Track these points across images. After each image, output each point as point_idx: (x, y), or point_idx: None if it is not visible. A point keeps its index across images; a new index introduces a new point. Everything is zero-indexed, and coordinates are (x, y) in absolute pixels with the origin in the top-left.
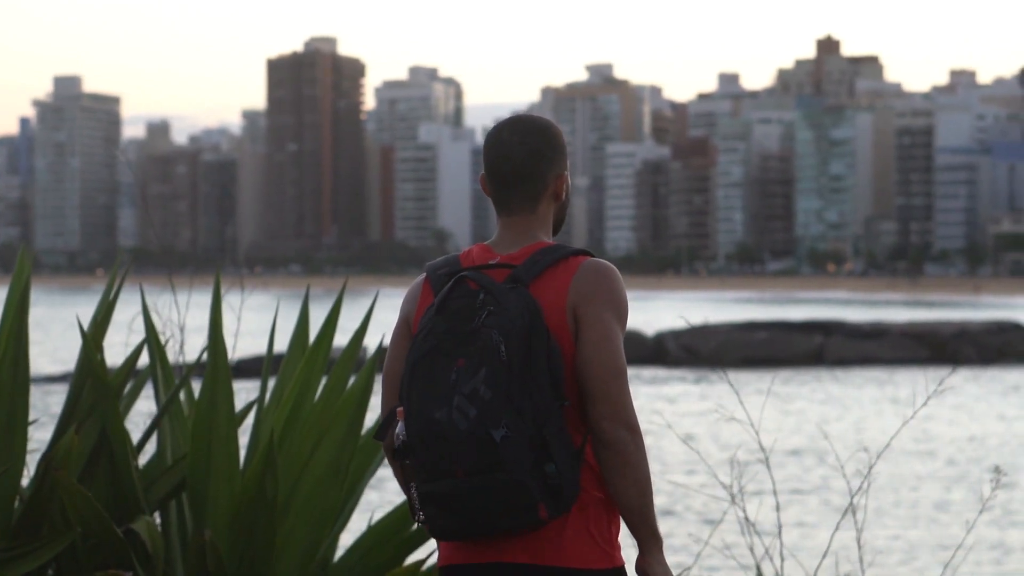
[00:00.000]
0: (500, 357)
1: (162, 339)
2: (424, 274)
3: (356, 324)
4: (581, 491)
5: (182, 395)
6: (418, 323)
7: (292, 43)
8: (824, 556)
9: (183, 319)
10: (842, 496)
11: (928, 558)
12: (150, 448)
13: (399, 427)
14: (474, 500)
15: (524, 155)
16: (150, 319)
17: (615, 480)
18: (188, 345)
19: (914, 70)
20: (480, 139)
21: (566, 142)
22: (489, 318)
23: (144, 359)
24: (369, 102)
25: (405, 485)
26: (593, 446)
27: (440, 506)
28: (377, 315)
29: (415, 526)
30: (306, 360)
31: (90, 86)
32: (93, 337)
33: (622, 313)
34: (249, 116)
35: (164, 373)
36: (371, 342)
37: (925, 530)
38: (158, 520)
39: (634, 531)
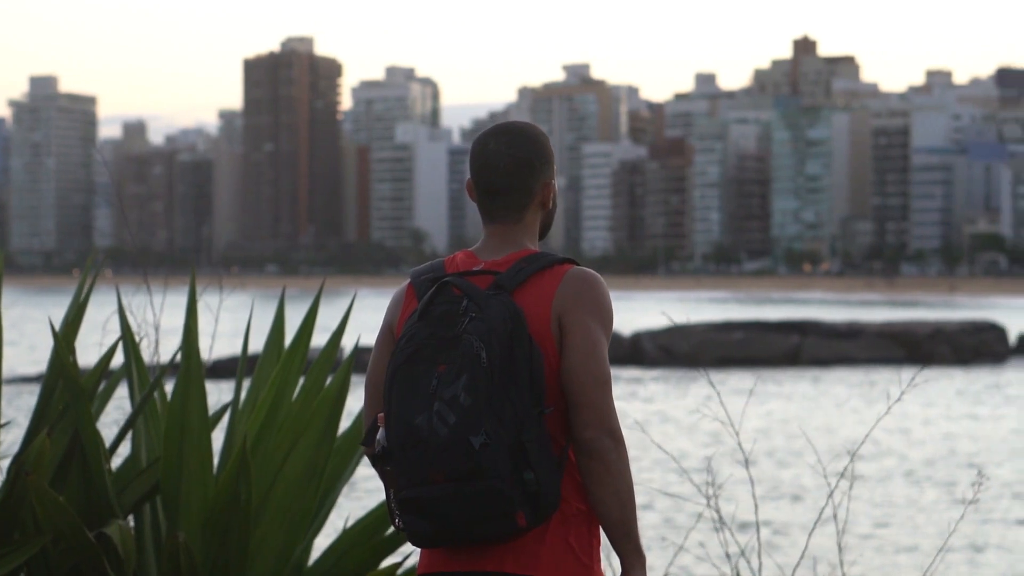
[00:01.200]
0: (481, 364)
1: (136, 339)
2: (408, 280)
3: (330, 324)
4: (563, 502)
5: (156, 396)
6: (401, 329)
7: (269, 43)
8: (801, 557)
9: (158, 319)
10: (816, 495)
11: (903, 557)
12: (124, 450)
13: (380, 433)
14: (453, 507)
15: (511, 165)
16: (125, 318)
17: (596, 490)
18: (164, 346)
19: (890, 70)
20: (457, 139)
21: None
22: (471, 324)
23: (118, 360)
24: (346, 102)
25: (386, 491)
26: (575, 455)
27: (419, 512)
28: (353, 315)
29: (391, 530)
30: (282, 363)
31: (66, 86)
32: (65, 338)
33: (607, 322)
34: (225, 116)
35: (139, 374)
36: (346, 343)
37: (899, 528)
38: (131, 524)
39: (616, 546)
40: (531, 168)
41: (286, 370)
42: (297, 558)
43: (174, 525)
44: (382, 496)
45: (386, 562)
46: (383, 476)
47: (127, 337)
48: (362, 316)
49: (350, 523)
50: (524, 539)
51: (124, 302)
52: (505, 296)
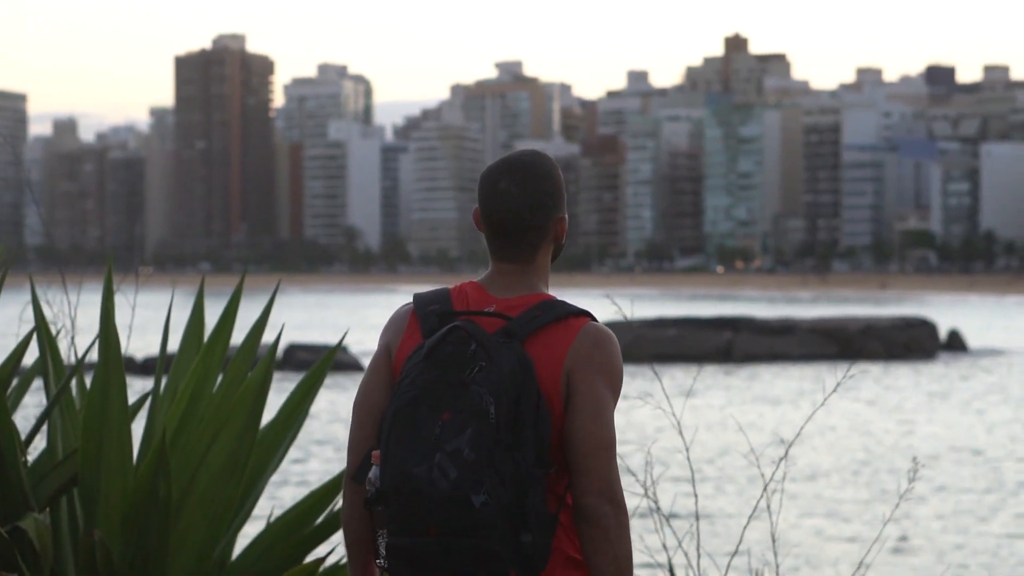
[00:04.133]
0: (488, 419)
1: (53, 330)
2: (411, 305)
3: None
4: (552, 551)
5: (74, 387)
6: (402, 360)
7: (200, 40)
8: (735, 552)
9: (74, 312)
10: (746, 487)
11: (833, 548)
12: (41, 444)
13: (372, 472)
14: (444, 561)
15: (525, 207)
16: (39, 307)
17: (594, 556)
18: (84, 341)
19: (821, 68)
20: (390, 137)
21: (480, 143)
22: (480, 374)
23: (35, 355)
24: (278, 99)
25: (372, 531)
26: (574, 518)
27: (408, 562)
28: (282, 313)
29: (317, 522)
30: (203, 353)
31: None
32: None
33: (617, 385)
34: (157, 113)
35: (55, 364)
36: (270, 335)
37: (826, 520)
38: (48, 518)
39: None
40: (545, 208)
41: (207, 360)
42: (220, 553)
43: (92, 519)
44: (308, 489)
45: (310, 557)
46: (372, 517)
47: (41, 326)
48: (295, 314)
49: (274, 518)
50: None
51: (42, 297)
52: (516, 345)
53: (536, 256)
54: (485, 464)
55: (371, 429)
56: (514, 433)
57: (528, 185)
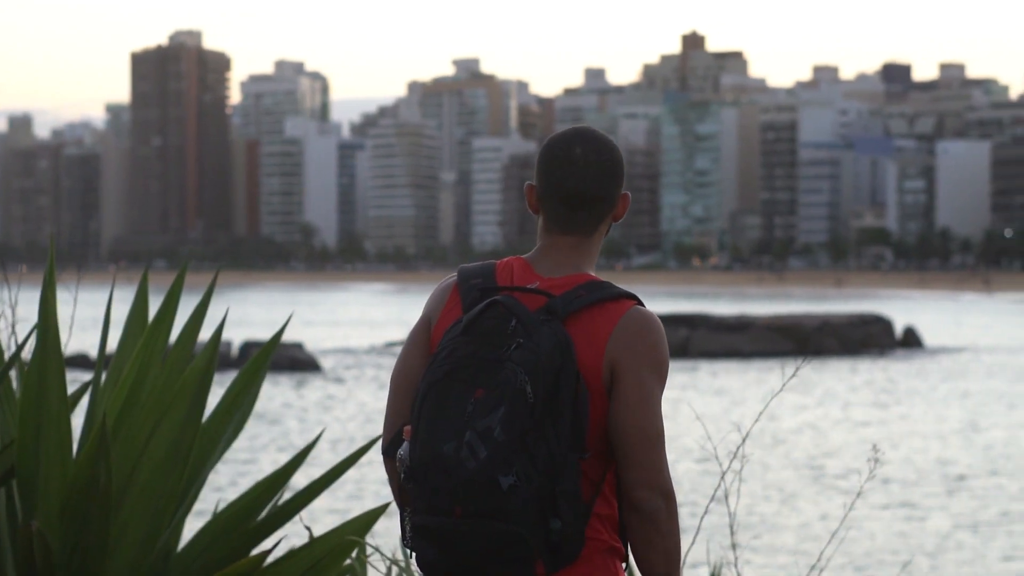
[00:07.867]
0: (525, 399)
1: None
2: (454, 277)
3: (212, 315)
4: (587, 540)
5: (15, 378)
6: (440, 333)
7: (156, 36)
8: (695, 539)
9: (14, 302)
10: (701, 479)
11: (788, 537)
12: None
13: (403, 448)
14: (469, 544)
15: (600, 174)
16: None
17: (644, 548)
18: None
19: (778, 65)
20: (347, 134)
21: (437, 140)
22: (516, 352)
23: None
24: (235, 96)
25: (401, 508)
26: (623, 511)
27: (432, 542)
28: (239, 311)
29: (263, 515)
30: (145, 339)
31: None
32: None
33: (663, 373)
34: (113, 110)
35: None
36: (211, 322)
37: (782, 507)
38: None
39: None
40: (616, 177)
41: (148, 348)
42: (164, 544)
43: (30, 511)
44: (255, 479)
45: (256, 549)
46: (402, 492)
47: None
48: (252, 311)
49: (220, 507)
50: None
51: None
52: (557, 324)
53: (596, 230)
54: (516, 445)
55: (404, 401)
56: (549, 415)
57: (604, 153)
